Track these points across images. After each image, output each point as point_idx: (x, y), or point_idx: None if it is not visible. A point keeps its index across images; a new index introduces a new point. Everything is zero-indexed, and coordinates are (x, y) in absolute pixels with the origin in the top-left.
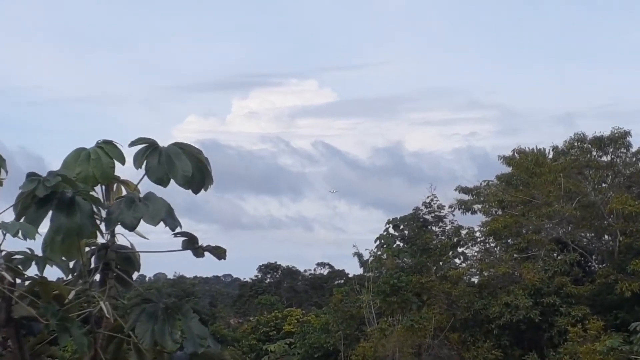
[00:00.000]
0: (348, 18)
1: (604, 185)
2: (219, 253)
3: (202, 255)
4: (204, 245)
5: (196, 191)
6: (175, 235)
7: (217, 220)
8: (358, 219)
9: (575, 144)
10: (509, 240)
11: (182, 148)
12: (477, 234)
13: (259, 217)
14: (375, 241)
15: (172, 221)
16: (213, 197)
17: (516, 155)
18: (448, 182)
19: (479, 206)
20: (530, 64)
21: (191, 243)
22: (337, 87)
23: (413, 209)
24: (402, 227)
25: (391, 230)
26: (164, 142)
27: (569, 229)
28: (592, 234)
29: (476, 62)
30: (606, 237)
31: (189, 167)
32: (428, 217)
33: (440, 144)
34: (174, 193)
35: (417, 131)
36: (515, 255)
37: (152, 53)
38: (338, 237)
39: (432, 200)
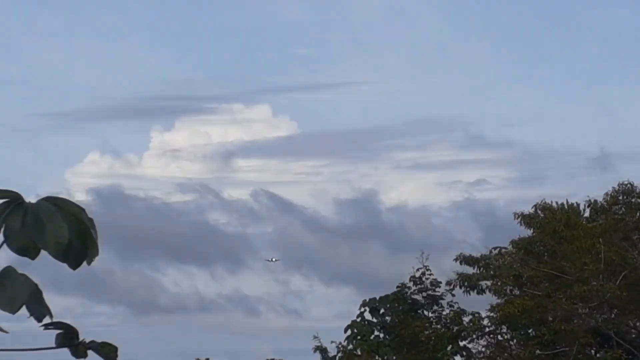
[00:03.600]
0: (315, 23)
1: None
2: (108, 353)
3: (84, 356)
4: (87, 341)
5: (74, 265)
6: (46, 327)
7: (124, 299)
8: (320, 299)
9: (620, 197)
10: (530, 331)
11: (57, 205)
12: (486, 321)
13: (182, 296)
14: (346, 330)
15: (38, 308)
16: (118, 267)
17: (539, 212)
18: (445, 249)
19: (488, 283)
20: (557, 88)
21: (68, 338)
22: (297, 114)
23: (397, 286)
24: (382, 310)
25: (367, 316)
26: (50, 190)
27: (612, 315)
28: None
29: (485, 86)
30: None
31: (65, 231)
32: (418, 297)
33: (435, 196)
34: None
35: (403, 177)
36: (538, 351)
37: (35, 67)
38: (293, 324)
39: (423, 274)
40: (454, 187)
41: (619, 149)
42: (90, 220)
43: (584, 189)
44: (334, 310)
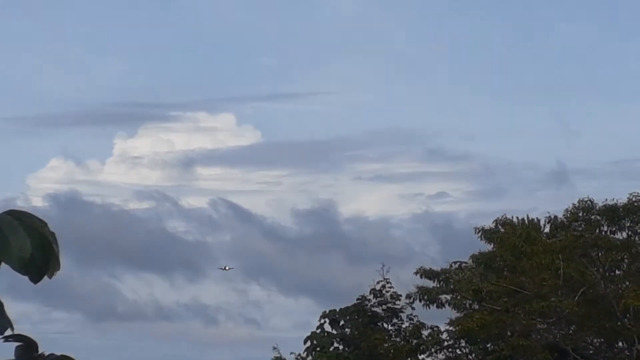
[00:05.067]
0: (280, 32)
1: (617, 272)
2: None
3: None
4: (46, 354)
5: (36, 278)
6: (6, 339)
7: (82, 306)
8: (279, 309)
9: (580, 214)
10: (488, 345)
11: (19, 219)
12: (444, 335)
13: (140, 304)
14: (305, 342)
15: (0, 320)
16: (75, 273)
17: (500, 227)
18: (404, 261)
19: (448, 297)
20: (517, 102)
21: (28, 351)
22: (261, 124)
23: (358, 299)
24: (342, 322)
25: (327, 327)
26: (8, 195)
27: (570, 331)
28: (601, 339)
29: (447, 98)
30: (620, 343)
31: (27, 245)
32: (378, 309)
33: (396, 208)
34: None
35: (364, 189)
36: None
37: None
38: (252, 333)
39: (383, 286)
40: (415, 199)
41: (576, 164)
42: (53, 234)
43: (542, 204)
44: (293, 320)
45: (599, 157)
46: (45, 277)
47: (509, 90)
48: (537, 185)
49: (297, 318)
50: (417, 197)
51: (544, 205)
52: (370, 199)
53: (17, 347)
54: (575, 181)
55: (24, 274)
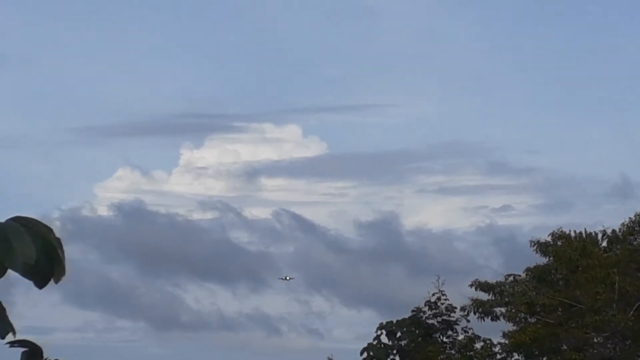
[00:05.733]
0: (345, 45)
1: None
2: None
3: None
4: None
5: (41, 284)
6: (11, 344)
7: (146, 315)
8: (343, 321)
9: (636, 227)
10: (542, 359)
11: (25, 225)
12: (497, 348)
13: (203, 314)
14: (362, 353)
15: (2, 325)
16: (139, 282)
17: (556, 241)
18: (468, 274)
19: (502, 309)
20: (582, 112)
21: (33, 356)
22: (326, 135)
23: (413, 310)
24: (399, 334)
25: (384, 339)
26: (74, 205)
27: (625, 346)
28: None
29: (509, 111)
30: None
31: (32, 251)
32: (434, 321)
33: (459, 220)
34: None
35: (428, 201)
36: None
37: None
38: (315, 344)
39: (439, 298)
40: (479, 212)
41: None
42: (58, 240)
43: (607, 218)
44: (356, 331)
45: None
46: (52, 282)
47: (571, 103)
48: (601, 199)
49: (359, 330)
50: (481, 209)
51: (609, 219)
52: (433, 211)
53: (23, 352)
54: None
55: (30, 279)
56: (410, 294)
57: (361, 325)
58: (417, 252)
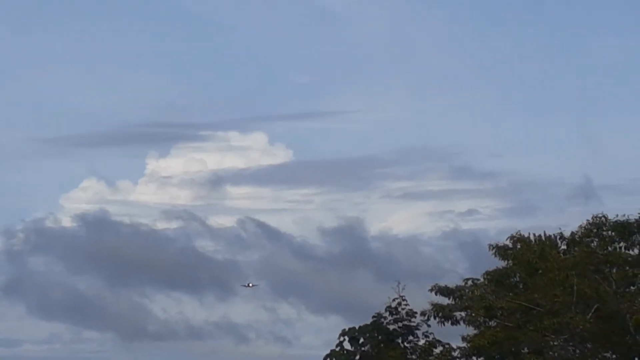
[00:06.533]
0: (310, 52)
1: (631, 288)
2: None
3: None
4: None
5: None
6: None
7: (113, 326)
8: (310, 327)
9: (594, 230)
10: None
11: None
12: (457, 352)
13: (171, 323)
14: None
15: None
16: (107, 292)
17: (515, 244)
18: (435, 278)
19: (462, 314)
20: (546, 116)
21: None
22: (292, 142)
23: (373, 316)
24: (361, 340)
25: (347, 345)
26: (47, 214)
27: (585, 348)
28: (614, 356)
29: (473, 115)
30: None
31: None
32: (395, 327)
33: (425, 225)
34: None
35: (393, 206)
36: None
37: (26, 90)
38: (283, 351)
39: (399, 304)
40: (444, 216)
41: (604, 181)
42: None
43: (573, 220)
44: (323, 338)
45: (626, 173)
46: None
47: (535, 107)
48: (565, 202)
49: (327, 336)
50: (447, 214)
51: (574, 221)
52: (399, 217)
53: None
54: (603, 197)
55: None
56: (377, 300)
57: (328, 331)
58: (383, 258)
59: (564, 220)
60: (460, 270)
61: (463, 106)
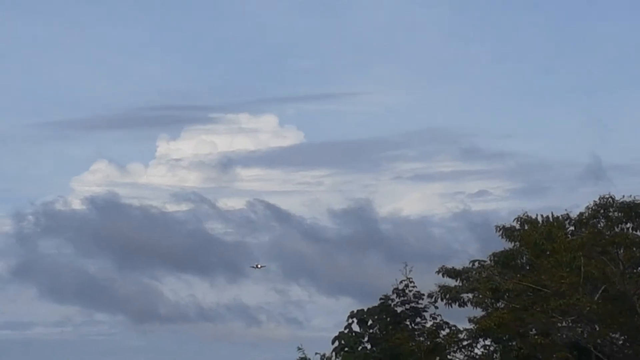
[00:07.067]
0: (320, 35)
1: (638, 269)
2: None
3: None
4: None
5: None
6: None
7: (123, 308)
8: (321, 309)
9: (601, 211)
10: (513, 343)
11: None
12: (464, 334)
13: (181, 305)
14: (333, 342)
15: None
16: (117, 275)
17: (522, 225)
18: (445, 260)
19: (470, 295)
20: (557, 97)
21: None
22: (303, 124)
23: (381, 298)
24: (369, 322)
25: (355, 327)
26: (57, 197)
27: (591, 329)
28: (623, 337)
29: (482, 97)
30: None
31: None
32: (402, 309)
33: (436, 206)
34: None
35: (404, 188)
36: None
37: (36, 75)
38: (294, 333)
39: (406, 286)
40: (455, 198)
41: (615, 160)
42: None
43: (584, 201)
44: (334, 319)
45: (637, 153)
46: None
47: (542, 88)
48: (575, 182)
49: (338, 317)
50: (457, 195)
51: (586, 202)
52: (409, 198)
53: None
54: (613, 177)
55: None
56: (387, 281)
57: (339, 313)
58: (394, 239)
59: (575, 200)
60: (471, 251)
61: (470, 89)
